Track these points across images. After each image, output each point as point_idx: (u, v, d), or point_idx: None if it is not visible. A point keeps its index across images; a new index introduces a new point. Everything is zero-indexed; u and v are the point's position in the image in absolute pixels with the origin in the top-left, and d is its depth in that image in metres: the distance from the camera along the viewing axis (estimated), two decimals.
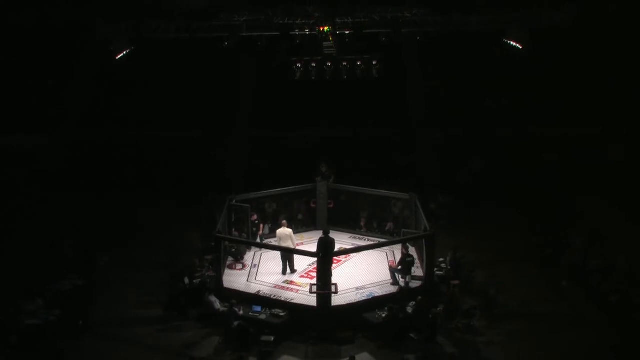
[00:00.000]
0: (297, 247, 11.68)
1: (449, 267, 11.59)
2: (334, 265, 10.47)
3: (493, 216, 14.79)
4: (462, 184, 15.79)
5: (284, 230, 11.71)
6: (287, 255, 11.44)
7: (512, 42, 12.31)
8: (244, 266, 11.89)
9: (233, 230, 12.44)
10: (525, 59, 13.02)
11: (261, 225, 13.04)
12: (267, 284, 11.09)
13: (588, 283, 11.17)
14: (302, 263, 11.62)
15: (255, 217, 12.81)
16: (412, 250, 11.58)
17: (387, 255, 12.24)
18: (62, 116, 15.70)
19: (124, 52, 12.22)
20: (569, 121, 15.99)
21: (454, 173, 16.14)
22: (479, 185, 15.73)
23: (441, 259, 11.82)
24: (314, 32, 12.55)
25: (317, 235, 11.14)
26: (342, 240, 12.71)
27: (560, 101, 15.72)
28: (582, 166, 15.57)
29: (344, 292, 10.47)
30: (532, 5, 11.69)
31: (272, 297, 10.58)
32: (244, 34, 12.53)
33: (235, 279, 11.29)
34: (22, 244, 12.54)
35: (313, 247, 10.86)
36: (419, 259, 11.53)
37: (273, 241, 12.70)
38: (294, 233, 11.98)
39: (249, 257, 12.22)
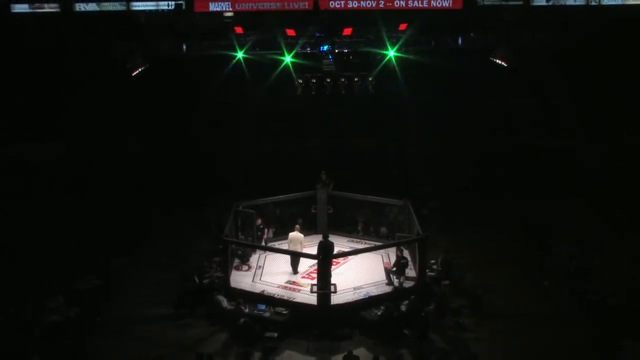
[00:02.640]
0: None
1: (440, 269, 11.67)
2: (333, 267, 10.57)
3: (483, 221, 14.81)
4: (460, 190, 15.83)
5: (296, 235, 11.74)
6: (294, 257, 11.54)
7: (498, 61, 12.69)
8: (249, 267, 11.96)
9: (239, 234, 12.52)
10: (518, 72, 13.28)
11: (265, 229, 13.09)
12: (271, 284, 11.15)
13: (570, 284, 11.25)
14: (304, 265, 11.70)
15: (259, 221, 12.87)
16: (406, 253, 11.62)
17: (382, 257, 12.31)
18: (79, 127, 15.89)
19: (140, 69, 12.53)
20: (563, 131, 16.19)
21: (449, 180, 16.19)
22: (472, 192, 15.82)
23: (433, 261, 11.90)
24: (315, 51, 12.88)
25: (318, 239, 11.21)
26: (340, 244, 12.71)
27: (552, 112, 15.95)
28: (569, 173, 15.73)
29: (343, 291, 10.57)
30: (515, 28, 12.05)
31: (275, 296, 10.64)
32: (250, 53, 12.86)
33: (241, 279, 11.35)
34: (44, 247, 12.61)
35: (314, 250, 10.92)
36: (412, 261, 11.59)
37: (277, 244, 12.83)
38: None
39: (254, 259, 12.29)
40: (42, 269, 11.59)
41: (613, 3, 11.37)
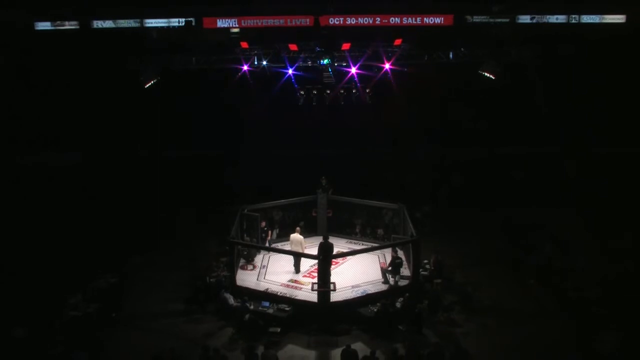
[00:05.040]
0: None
1: (433, 268, 11.79)
2: (332, 267, 10.69)
3: (471, 224, 15.02)
4: (445, 196, 16.06)
5: (297, 236, 11.87)
6: (296, 257, 11.70)
7: (486, 74, 13.00)
8: (254, 267, 12.10)
9: (245, 235, 12.66)
10: (499, 86, 13.60)
11: (269, 231, 13.24)
12: (275, 283, 11.30)
13: (552, 282, 11.43)
14: (305, 264, 11.85)
15: (263, 224, 13.01)
16: (401, 253, 11.72)
17: (378, 257, 12.45)
18: (96, 135, 16.15)
19: (152, 82, 12.83)
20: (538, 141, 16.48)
21: (439, 186, 16.37)
22: (460, 196, 16.03)
23: (425, 261, 12.02)
24: (316, 64, 13.18)
25: (318, 240, 11.33)
26: (339, 245, 12.85)
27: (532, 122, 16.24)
28: (548, 180, 15.99)
29: (341, 289, 10.73)
30: (502, 44, 12.38)
31: (278, 293, 10.78)
32: (255, 66, 13.17)
33: (247, 278, 11.49)
34: (64, 248, 12.81)
35: (314, 251, 11.05)
36: (407, 261, 11.72)
37: (280, 245, 12.96)
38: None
39: (258, 259, 12.43)
40: (62, 269, 11.77)
41: (591, 21, 11.73)
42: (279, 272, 11.81)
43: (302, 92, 13.54)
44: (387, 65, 13.15)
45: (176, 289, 11.51)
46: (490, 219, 15.14)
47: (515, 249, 13.20)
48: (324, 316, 10.05)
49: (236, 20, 12.37)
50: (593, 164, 15.87)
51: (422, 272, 11.60)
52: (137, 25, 12.19)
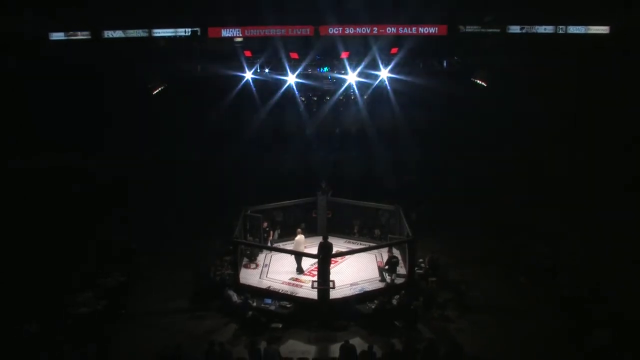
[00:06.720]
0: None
1: (428, 267, 11.85)
2: (332, 265, 10.78)
3: (467, 224, 15.05)
4: (445, 196, 16.20)
5: (300, 237, 11.99)
6: (297, 257, 11.77)
7: (478, 81, 13.19)
8: (256, 266, 12.18)
9: (248, 235, 12.73)
10: (489, 93, 13.82)
11: (271, 232, 13.31)
12: (276, 281, 11.36)
13: (544, 280, 11.50)
14: (305, 263, 11.91)
15: (265, 224, 13.08)
16: (397, 253, 11.85)
17: (376, 256, 12.51)
18: (108, 140, 16.26)
19: (160, 89, 13.00)
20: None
21: (436, 188, 16.54)
22: (454, 198, 16.14)
23: (421, 260, 12.07)
24: (316, 72, 13.38)
25: (318, 240, 11.40)
26: (338, 244, 12.87)
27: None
28: (539, 182, 16.13)
29: (340, 287, 10.82)
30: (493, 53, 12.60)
31: (280, 291, 10.86)
32: (258, 73, 13.36)
33: (250, 276, 11.55)
34: (74, 247, 12.89)
35: (314, 250, 11.13)
36: (403, 260, 11.81)
37: (281, 245, 13.05)
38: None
39: (260, 258, 12.51)
40: (72, 267, 11.87)
41: (577, 32, 11.97)
42: (281, 270, 11.88)
43: (303, 99, 13.75)
44: (383, 73, 13.38)
45: (179, 287, 11.54)
46: (484, 219, 15.15)
47: (510, 248, 13.21)
48: (323, 313, 10.13)
49: (240, 29, 12.53)
50: (577, 164, 15.98)
51: (418, 271, 11.64)
52: (145, 34, 12.37)
